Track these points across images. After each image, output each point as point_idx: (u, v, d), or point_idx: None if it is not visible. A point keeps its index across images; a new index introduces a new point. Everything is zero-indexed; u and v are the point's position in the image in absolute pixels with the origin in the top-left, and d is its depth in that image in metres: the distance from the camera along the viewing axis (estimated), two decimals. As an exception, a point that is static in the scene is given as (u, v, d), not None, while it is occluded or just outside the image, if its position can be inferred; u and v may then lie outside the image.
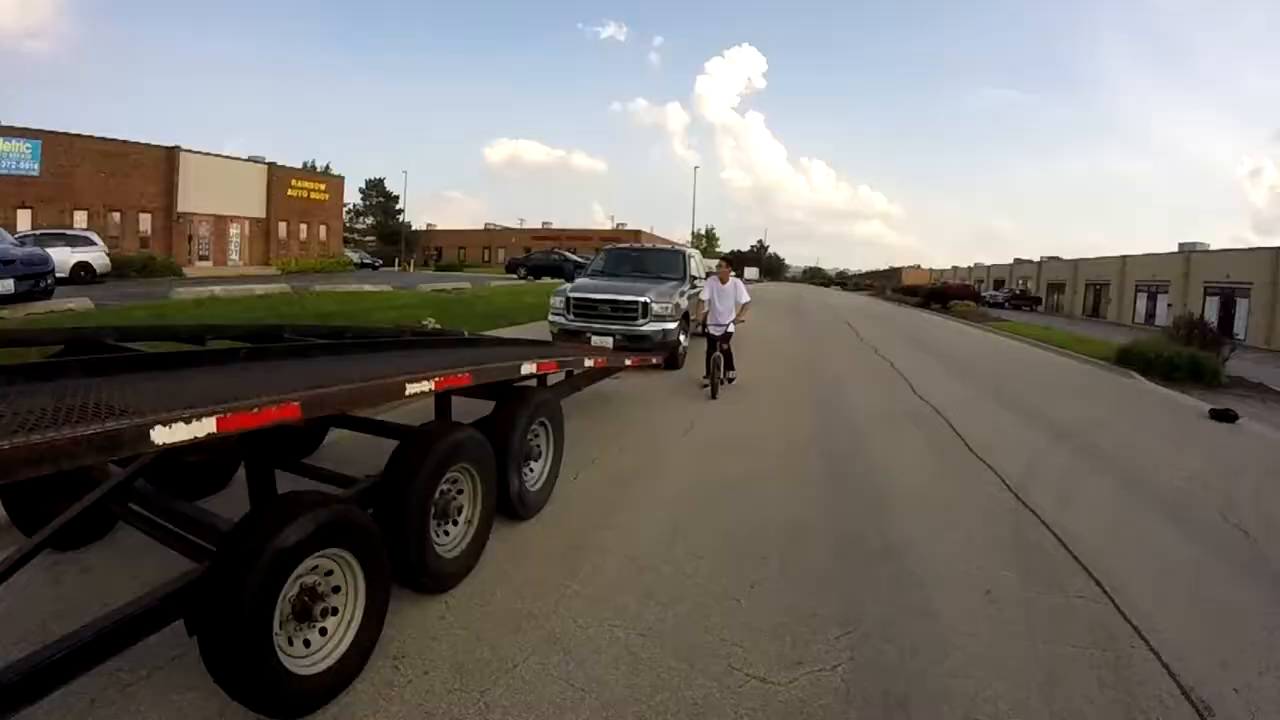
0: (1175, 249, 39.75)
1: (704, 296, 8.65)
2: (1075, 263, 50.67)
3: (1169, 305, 36.10)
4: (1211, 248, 38.09)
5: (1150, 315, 38.55)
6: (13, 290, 11.16)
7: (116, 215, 29.48)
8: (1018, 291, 53.31)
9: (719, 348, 8.27)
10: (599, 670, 2.70)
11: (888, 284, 65.64)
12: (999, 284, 60.35)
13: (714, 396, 7.86)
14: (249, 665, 2.11)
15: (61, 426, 1.64)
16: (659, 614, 3.15)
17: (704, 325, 8.52)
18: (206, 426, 1.90)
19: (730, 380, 8.59)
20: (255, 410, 2.04)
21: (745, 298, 8.47)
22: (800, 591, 3.41)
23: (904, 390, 9.35)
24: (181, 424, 1.84)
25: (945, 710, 2.53)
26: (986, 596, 3.41)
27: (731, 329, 8.40)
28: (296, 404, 2.18)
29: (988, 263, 69.63)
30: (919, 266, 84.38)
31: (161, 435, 1.79)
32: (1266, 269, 30.97)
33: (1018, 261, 62.16)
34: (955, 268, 76.20)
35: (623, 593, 3.34)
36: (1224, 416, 8.56)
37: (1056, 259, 55.05)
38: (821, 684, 2.67)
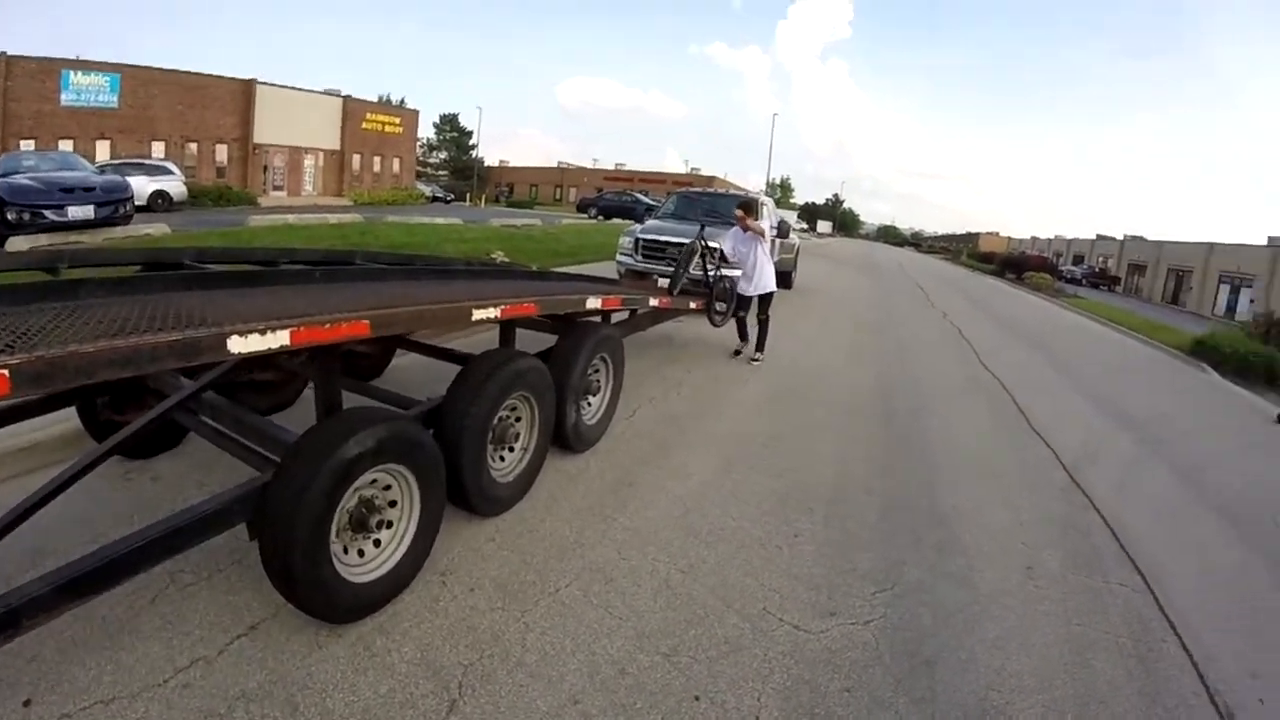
0: (1265, 242, 37.14)
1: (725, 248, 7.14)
2: (1159, 245, 47.33)
3: (1251, 301, 33.69)
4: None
5: (1231, 308, 35.94)
6: (93, 216, 11.54)
7: (193, 146, 30.29)
8: (1097, 269, 50.48)
9: (746, 312, 7.22)
10: (638, 601, 2.78)
11: (963, 248, 63.32)
12: (1078, 259, 57.01)
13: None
14: (305, 569, 2.19)
15: (144, 333, 1.73)
16: (701, 553, 3.21)
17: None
18: (281, 338, 1.98)
19: (754, 360, 7.13)
20: (328, 325, 2.11)
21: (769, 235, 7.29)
22: (842, 546, 3.43)
23: (970, 358, 9.18)
24: (257, 335, 1.91)
25: (971, 678, 2.54)
26: (1027, 573, 3.38)
27: (770, 288, 7.09)
28: (367, 321, 2.24)
29: (1068, 236, 65.70)
30: (997, 234, 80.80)
31: (238, 345, 1.87)
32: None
33: (1100, 238, 58.61)
34: (1034, 238, 72.13)
35: (668, 529, 3.41)
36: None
37: (1140, 239, 51.56)
38: (853, 637, 2.70)
